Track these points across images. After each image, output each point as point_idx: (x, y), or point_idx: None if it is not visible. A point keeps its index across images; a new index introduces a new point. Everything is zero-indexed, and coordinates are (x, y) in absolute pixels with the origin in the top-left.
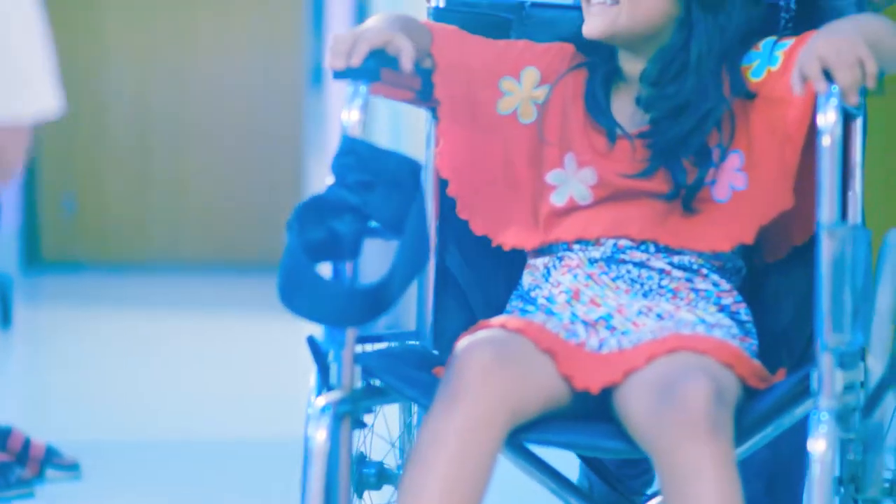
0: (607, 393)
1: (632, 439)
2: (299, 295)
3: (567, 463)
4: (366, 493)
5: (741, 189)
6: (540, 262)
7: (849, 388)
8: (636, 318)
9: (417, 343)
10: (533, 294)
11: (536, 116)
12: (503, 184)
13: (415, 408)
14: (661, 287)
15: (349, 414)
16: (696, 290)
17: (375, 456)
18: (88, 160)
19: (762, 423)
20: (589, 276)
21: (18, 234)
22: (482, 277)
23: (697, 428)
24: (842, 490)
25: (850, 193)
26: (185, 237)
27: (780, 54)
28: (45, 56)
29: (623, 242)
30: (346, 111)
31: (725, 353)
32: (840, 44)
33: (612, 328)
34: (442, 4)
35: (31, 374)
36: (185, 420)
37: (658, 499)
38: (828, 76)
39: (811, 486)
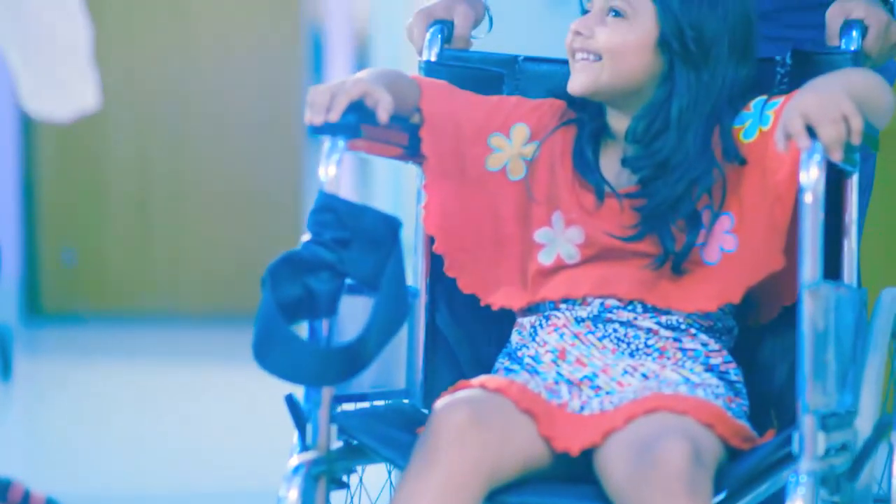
0: (588, 454)
1: (612, 501)
2: (273, 353)
3: None
4: None
5: (731, 251)
6: (527, 321)
7: (838, 449)
8: (621, 378)
9: (407, 402)
10: (520, 353)
11: (525, 173)
12: (491, 241)
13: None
14: (647, 346)
15: (325, 474)
16: (683, 350)
17: None
18: (88, 212)
19: (745, 484)
20: (575, 336)
21: (19, 285)
22: (471, 335)
23: (675, 488)
24: None
25: (844, 252)
26: (185, 289)
27: (770, 113)
28: (88, 52)
29: (610, 302)
30: (322, 167)
31: (705, 412)
32: (824, 99)
33: (596, 388)
34: (433, 58)
35: (32, 426)
36: (186, 473)
37: None
38: (811, 132)
39: None
